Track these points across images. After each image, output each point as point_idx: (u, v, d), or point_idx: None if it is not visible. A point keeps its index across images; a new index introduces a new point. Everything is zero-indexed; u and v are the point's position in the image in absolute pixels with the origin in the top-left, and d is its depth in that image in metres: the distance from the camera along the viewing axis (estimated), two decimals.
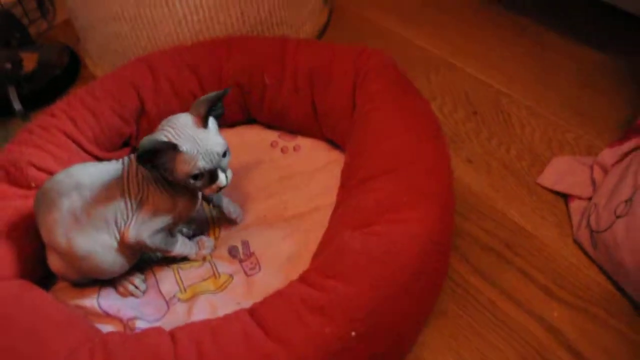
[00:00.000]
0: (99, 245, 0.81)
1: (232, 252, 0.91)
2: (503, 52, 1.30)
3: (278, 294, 0.74)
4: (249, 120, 1.14)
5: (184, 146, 0.77)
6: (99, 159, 1.01)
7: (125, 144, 1.08)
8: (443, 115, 1.17)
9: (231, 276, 0.89)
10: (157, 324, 0.83)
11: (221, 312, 0.78)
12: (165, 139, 0.77)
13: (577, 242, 0.93)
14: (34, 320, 0.72)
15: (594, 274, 0.90)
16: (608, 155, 0.98)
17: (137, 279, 0.88)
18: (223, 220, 0.97)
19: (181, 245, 0.89)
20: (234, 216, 0.96)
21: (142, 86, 1.06)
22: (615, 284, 0.88)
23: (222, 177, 0.80)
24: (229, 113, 1.10)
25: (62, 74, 1.36)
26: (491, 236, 0.96)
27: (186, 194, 0.84)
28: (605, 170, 0.97)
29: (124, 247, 0.83)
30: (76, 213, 0.80)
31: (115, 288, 0.88)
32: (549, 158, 1.06)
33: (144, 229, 0.82)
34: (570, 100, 1.17)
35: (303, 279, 0.75)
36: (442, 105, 1.19)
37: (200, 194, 0.87)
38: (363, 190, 0.84)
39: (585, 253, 0.92)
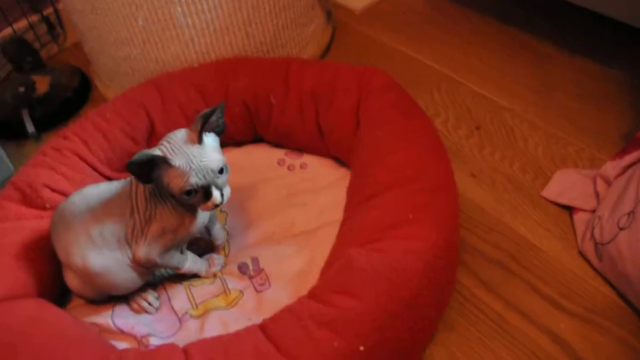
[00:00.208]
0: (112, 262, 0.83)
1: (242, 269, 0.93)
2: (504, 68, 1.32)
3: (287, 310, 0.76)
4: (256, 139, 1.16)
5: (177, 161, 0.77)
6: (111, 179, 1.04)
7: None
8: (447, 130, 1.19)
9: (241, 292, 0.90)
10: (170, 341, 0.84)
11: (232, 328, 0.80)
12: (159, 153, 0.77)
13: (582, 254, 0.95)
14: (52, 338, 0.74)
15: (599, 285, 0.91)
16: (610, 168, 0.99)
17: (151, 296, 0.90)
18: (233, 238, 0.99)
19: (191, 263, 0.91)
20: (217, 242, 0.97)
21: (151, 107, 1.09)
22: (621, 294, 0.89)
23: (216, 194, 0.79)
24: (236, 132, 1.13)
25: (73, 95, 1.39)
26: (497, 249, 0.97)
27: (192, 210, 0.85)
28: (608, 183, 0.99)
29: (136, 264, 0.85)
30: (89, 232, 0.82)
31: (129, 305, 0.90)
32: (553, 171, 1.07)
33: (154, 248, 0.84)
34: (572, 114, 1.19)
35: (311, 294, 0.77)
36: (445, 121, 1.21)
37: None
38: (368, 207, 0.86)
39: (590, 265, 0.93)
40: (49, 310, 0.81)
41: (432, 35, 1.46)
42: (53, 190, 0.97)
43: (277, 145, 1.14)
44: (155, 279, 0.94)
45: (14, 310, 0.78)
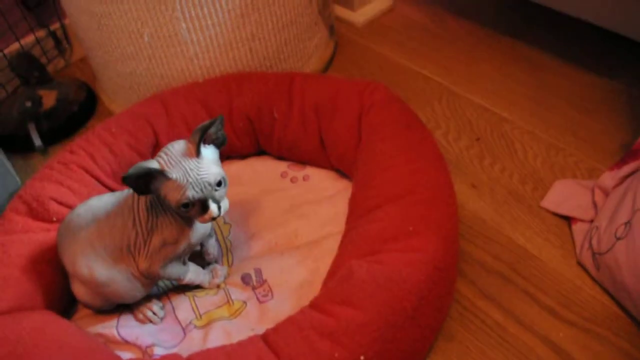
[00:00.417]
0: (117, 273, 0.85)
1: (245, 280, 0.95)
2: (505, 79, 1.34)
3: (289, 320, 0.77)
4: (260, 152, 1.18)
5: (174, 174, 0.77)
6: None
7: None
8: (447, 142, 1.20)
9: (245, 303, 0.92)
10: (174, 351, 0.86)
11: (236, 338, 0.81)
12: (156, 166, 0.77)
13: (580, 264, 0.96)
14: (58, 349, 0.76)
15: (597, 295, 0.92)
16: (608, 178, 1.00)
17: (156, 306, 0.91)
18: (236, 249, 1.01)
19: (193, 274, 0.92)
20: (209, 257, 0.97)
21: (156, 122, 1.11)
22: (619, 304, 0.90)
23: (213, 207, 0.79)
24: (240, 145, 1.14)
25: (80, 110, 1.41)
26: (497, 260, 0.98)
27: (192, 221, 0.85)
28: (606, 193, 1.00)
29: (140, 274, 0.86)
30: (94, 244, 0.84)
31: (134, 315, 0.91)
32: (552, 182, 1.09)
33: (156, 260, 0.85)
34: (571, 125, 1.20)
35: (313, 305, 0.79)
36: (446, 133, 1.22)
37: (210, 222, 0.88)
38: (369, 219, 0.87)
39: (589, 274, 0.94)
40: (56, 321, 0.83)
41: (433, 48, 1.48)
42: (60, 203, 0.99)
43: (280, 158, 1.16)
44: (160, 289, 0.96)
45: (21, 322, 0.80)
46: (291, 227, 1.02)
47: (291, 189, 1.09)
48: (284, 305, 0.90)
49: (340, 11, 1.62)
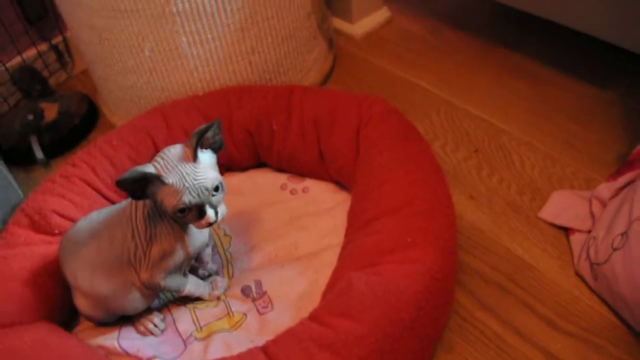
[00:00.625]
0: (119, 285, 0.86)
1: (245, 292, 0.95)
2: (503, 91, 1.35)
3: (289, 332, 0.78)
4: (260, 164, 1.19)
5: (170, 179, 0.76)
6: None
7: None
8: (445, 154, 1.21)
9: (245, 315, 0.92)
10: None
11: (236, 350, 0.82)
12: (152, 170, 0.76)
13: (578, 274, 0.96)
14: (67, 356, 0.77)
15: (595, 305, 0.92)
16: (605, 189, 1.01)
17: (157, 318, 0.92)
18: (236, 261, 1.01)
19: (193, 286, 0.92)
20: (204, 265, 0.97)
21: (157, 134, 1.12)
22: (617, 314, 0.91)
23: (210, 212, 0.78)
24: (240, 158, 1.15)
25: (81, 122, 1.42)
26: (495, 270, 0.99)
27: (191, 229, 0.85)
28: (603, 204, 1.01)
29: (142, 286, 0.87)
30: (95, 257, 0.85)
31: (135, 327, 0.92)
32: (549, 192, 1.10)
33: (156, 271, 0.86)
34: (569, 136, 1.21)
35: (312, 317, 0.79)
36: (444, 145, 1.23)
37: (208, 230, 0.89)
38: (367, 231, 0.88)
39: (587, 285, 0.95)
40: (57, 334, 0.84)
41: (431, 60, 1.49)
42: (61, 216, 1.00)
43: (279, 170, 1.17)
44: (160, 301, 0.96)
45: (23, 334, 0.80)
46: (291, 238, 1.02)
47: (291, 201, 1.10)
48: (284, 316, 0.90)
49: (339, 24, 1.64)
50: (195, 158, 0.78)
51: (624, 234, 0.88)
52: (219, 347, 0.87)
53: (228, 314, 0.93)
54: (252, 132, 1.13)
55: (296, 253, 1.00)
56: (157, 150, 1.12)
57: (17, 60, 1.52)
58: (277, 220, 1.07)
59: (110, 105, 1.43)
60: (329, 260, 0.94)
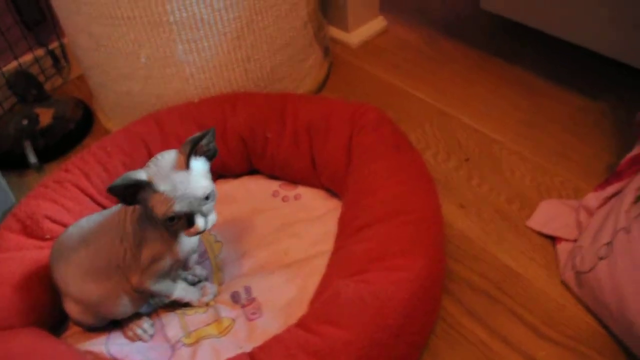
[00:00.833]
0: (108, 290, 0.86)
1: (235, 298, 0.96)
2: (494, 101, 1.37)
3: (276, 339, 0.79)
4: (252, 170, 1.20)
5: (162, 186, 0.76)
6: None
7: None
8: (437, 162, 1.23)
9: (234, 321, 0.93)
10: None
11: (224, 356, 0.83)
12: (144, 177, 0.76)
13: (564, 283, 0.97)
14: None
15: (580, 313, 0.93)
16: (592, 199, 1.02)
17: (146, 324, 0.93)
18: (227, 267, 1.02)
19: (182, 291, 0.93)
20: (190, 269, 0.98)
21: (151, 141, 1.13)
22: (601, 322, 0.91)
23: (199, 221, 0.78)
24: (233, 164, 1.16)
25: (76, 127, 1.44)
26: (482, 278, 1.00)
27: (179, 235, 0.85)
28: (590, 214, 1.02)
29: (132, 291, 0.88)
30: (85, 263, 0.85)
31: (124, 333, 0.93)
32: (538, 201, 1.11)
33: (146, 276, 0.86)
34: (559, 146, 1.23)
35: (300, 324, 0.80)
36: (436, 154, 1.25)
37: (197, 236, 0.88)
38: (357, 239, 0.89)
39: (572, 293, 0.96)
40: (46, 339, 0.85)
41: (425, 69, 1.50)
42: (53, 221, 1.00)
43: (272, 176, 1.18)
44: (150, 307, 0.97)
45: (12, 340, 0.81)
46: (282, 245, 1.03)
47: (283, 208, 1.11)
48: (272, 323, 0.91)
49: (335, 32, 1.65)
50: (188, 166, 0.78)
51: (610, 243, 0.89)
52: (207, 353, 0.88)
53: (217, 319, 0.94)
54: (246, 139, 1.14)
55: (286, 260, 1.01)
56: (150, 156, 1.12)
57: (13, 64, 1.53)
58: (268, 227, 1.08)
59: (106, 111, 1.44)
60: (319, 267, 0.95)
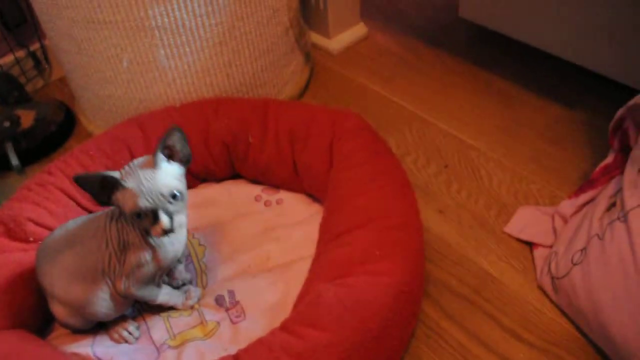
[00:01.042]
0: (94, 294, 0.87)
1: (219, 301, 0.97)
2: (473, 108, 1.40)
3: (260, 342, 0.80)
4: (235, 175, 1.21)
5: (129, 183, 0.79)
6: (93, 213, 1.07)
7: None
8: (417, 168, 1.25)
9: (218, 323, 0.94)
10: None
11: (209, 358, 0.85)
12: (117, 175, 0.79)
13: (540, 288, 1.00)
14: None
15: (556, 317, 0.96)
16: (567, 206, 1.06)
17: (131, 326, 0.93)
18: (210, 271, 1.03)
19: (167, 295, 0.94)
20: (176, 281, 0.99)
21: (133, 144, 1.14)
22: (577, 326, 0.94)
23: (164, 219, 0.79)
24: (216, 169, 1.17)
25: (58, 130, 1.43)
26: (461, 283, 1.02)
27: (163, 241, 0.86)
28: (565, 220, 1.05)
29: (117, 294, 0.88)
30: (70, 266, 0.86)
31: (110, 335, 0.93)
32: (515, 208, 1.14)
33: (130, 282, 0.87)
34: (536, 153, 1.26)
35: (283, 327, 0.82)
36: (416, 160, 1.27)
37: (182, 243, 0.90)
38: (337, 244, 0.91)
39: (548, 298, 0.99)
40: (31, 341, 0.85)
41: (405, 76, 1.53)
42: (37, 224, 1.00)
43: (254, 181, 1.19)
44: (135, 310, 0.98)
45: None
46: (264, 249, 1.05)
47: (265, 212, 1.13)
48: (256, 325, 0.92)
49: (316, 38, 1.67)
50: (155, 164, 0.81)
51: (584, 249, 0.92)
52: (192, 355, 0.89)
53: (201, 322, 0.95)
54: (229, 144, 1.15)
55: (269, 264, 1.03)
56: (133, 159, 1.13)
57: None
58: (251, 231, 1.09)
59: (88, 113, 1.44)
60: (301, 271, 0.96)
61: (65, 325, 0.91)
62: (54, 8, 1.18)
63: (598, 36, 1.26)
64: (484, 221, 1.13)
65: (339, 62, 1.61)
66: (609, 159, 1.07)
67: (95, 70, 1.25)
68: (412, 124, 1.37)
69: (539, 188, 1.18)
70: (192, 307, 0.97)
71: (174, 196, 0.81)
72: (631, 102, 0.99)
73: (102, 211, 0.90)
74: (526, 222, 1.10)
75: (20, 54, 1.56)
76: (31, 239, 0.98)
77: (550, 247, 1.03)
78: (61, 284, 0.86)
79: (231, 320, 0.95)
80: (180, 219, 0.82)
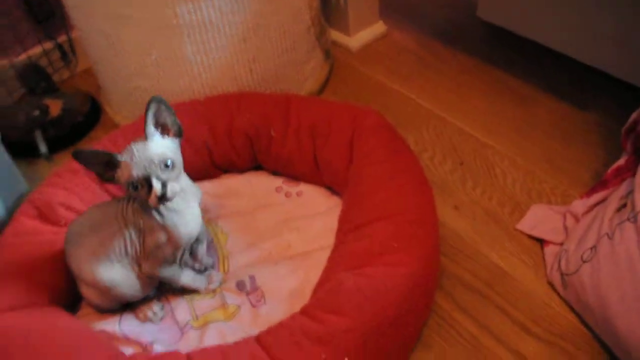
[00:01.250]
0: (118, 274, 0.92)
1: (240, 286, 1.02)
2: (489, 107, 1.42)
3: (282, 325, 0.84)
4: (257, 166, 1.25)
5: (123, 157, 0.83)
6: None
7: None
8: (433, 165, 1.28)
9: (239, 307, 0.98)
10: (172, 349, 0.92)
11: (230, 340, 0.89)
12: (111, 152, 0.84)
13: (550, 283, 1.03)
14: (68, 341, 0.83)
15: (564, 312, 0.99)
16: (579, 205, 1.09)
17: (156, 306, 0.98)
18: (232, 257, 1.07)
19: (189, 278, 0.99)
20: (199, 262, 1.03)
21: None
22: (583, 321, 0.97)
23: (156, 184, 0.81)
24: (239, 160, 1.21)
25: (84, 119, 1.48)
26: (474, 277, 1.06)
27: (176, 220, 0.90)
28: (577, 219, 1.08)
29: (141, 275, 0.93)
30: (95, 249, 0.90)
31: (135, 314, 0.98)
32: (528, 206, 1.17)
33: (152, 262, 0.92)
34: (549, 153, 1.29)
35: (304, 312, 0.86)
36: (432, 157, 1.30)
37: (197, 221, 0.93)
38: (357, 235, 0.95)
39: (557, 293, 1.02)
40: (64, 317, 0.90)
41: (423, 74, 1.56)
42: (67, 208, 1.05)
43: (275, 173, 1.23)
44: (159, 291, 1.02)
45: (33, 317, 0.86)
46: (285, 238, 1.09)
47: (285, 204, 1.17)
48: (275, 310, 0.97)
49: (337, 35, 1.71)
50: (146, 137, 0.85)
51: (593, 248, 0.95)
52: (214, 336, 0.93)
53: (223, 305, 0.99)
54: (252, 137, 1.19)
55: (289, 252, 1.06)
56: None
57: (23, 57, 1.56)
58: (272, 220, 1.13)
59: (113, 104, 1.48)
60: (320, 260, 1.00)
61: (94, 306, 0.96)
62: (87, 4, 1.22)
63: (611, 38, 1.29)
64: (498, 218, 1.16)
65: (358, 59, 1.65)
66: (622, 160, 1.10)
67: (124, 63, 1.29)
68: (429, 122, 1.40)
69: (552, 187, 1.21)
70: (214, 291, 1.01)
71: (166, 165, 0.84)
72: None
73: (121, 196, 0.95)
74: (538, 219, 1.13)
75: (48, 45, 1.61)
76: (62, 222, 1.03)
77: (561, 244, 1.07)
78: (88, 267, 0.91)
79: (251, 304, 0.99)
80: (174, 187, 0.84)
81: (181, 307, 0.99)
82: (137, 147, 0.84)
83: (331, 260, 0.97)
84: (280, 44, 1.33)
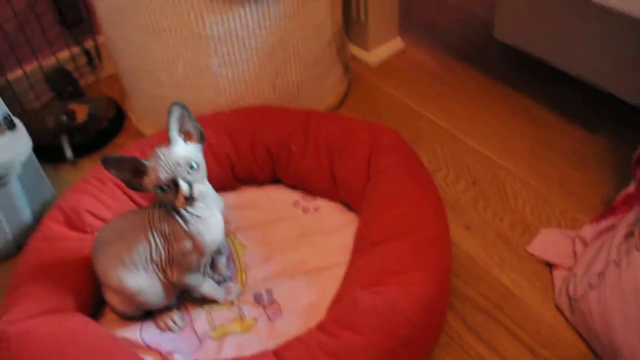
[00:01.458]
0: (144, 282, 0.95)
1: (257, 299, 1.05)
2: (504, 128, 1.45)
3: (299, 339, 0.88)
4: (275, 180, 1.29)
5: (150, 162, 0.88)
6: None
7: None
8: (446, 184, 1.32)
9: (255, 319, 1.02)
10: (191, 358, 0.96)
11: (247, 352, 0.92)
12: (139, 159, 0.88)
13: (558, 307, 1.06)
14: (94, 347, 0.87)
15: (571, 336, 1.02)
16: (588, 230, 1.12)
17: (176, 316, 1.02)
18: (250, 269, 1.11)
19: (210, 287, 1.02)
20: (219, 272, 1.07)
21: None
22: (590, 346, 1.00)
23: (183, 185, 0.86)
24: (259, 173, 1.25)
25: (109, 126, 1.52)
26: (484, 298, 1.09)
27: (200, 227, 0.94)
28: (585, 244, 1.11)
29: (165, 282, 0.97)
30: (122, 256, 0.94)
31: (156, 323, 1.02)
32: (538, 229, 1.20)
33: (177, 269, 0.95)
34: (561, 176, 1.32)
35: (320, 327, 0.89)
36: (446, 176, 1.34)
37: (219, 229, 0.97)
38: (372, 253, 0.99)
39: (565, 317, 1.05)
40: (89, 323, 0.94)
41: (439, 92, 1.59)
42: (94, 215, 1.09)
43: (293, 187, 1.27)
44: (179, 302, 1.06)
45: (61, 322, 0.90)
46: (301, 253, 1.12)
47: (302, 218, 1.20)
48: (291, 324, 1.00)
49: (356, 50, 1.74)
50: (170, 142, 0.90)
51: (601, 274, 0.98)
52: (232, 347, 0.97)
53: (240, 317, 1.03)
54: (272, 151, 1.23)
55: (306, 267, 1.10)
56: None
57: (50, 61, 1.61)
58: (289, 234, 1.16)
59: (137, 111, 1.52)
60: (336, 275, 1.04)
61: (119, 313, 1.00)
62: (118, 14, 1.26)
63: (624, 64, 1.31)
64: (508, 240, 1.19)
65: (376, 74, 1.68)
66: (631, 187, 1.13)
67: (150, 72, 1.33)
68: (444, 141, 1.43)
69: (562, 211, 1.24)
70: (231, 303, 1.05)
71: (191, 167, 0.88)
72: None
73: (148, 205, 0.99)
74: (548, 243, 1.16)
75: (75, 50, 1.65)
76: (88, 229, 1.07)
77: (570, 269, 1.09)
78: (114, 274, 0.94)
79: (268, 317, 1.02)
80: (199, 188, 0.89)
81: (200, 318, 1.03)
82: (162, 152, 0.88)
83: (347, 276, 1.01)
84: (303, 58, 1.37)
